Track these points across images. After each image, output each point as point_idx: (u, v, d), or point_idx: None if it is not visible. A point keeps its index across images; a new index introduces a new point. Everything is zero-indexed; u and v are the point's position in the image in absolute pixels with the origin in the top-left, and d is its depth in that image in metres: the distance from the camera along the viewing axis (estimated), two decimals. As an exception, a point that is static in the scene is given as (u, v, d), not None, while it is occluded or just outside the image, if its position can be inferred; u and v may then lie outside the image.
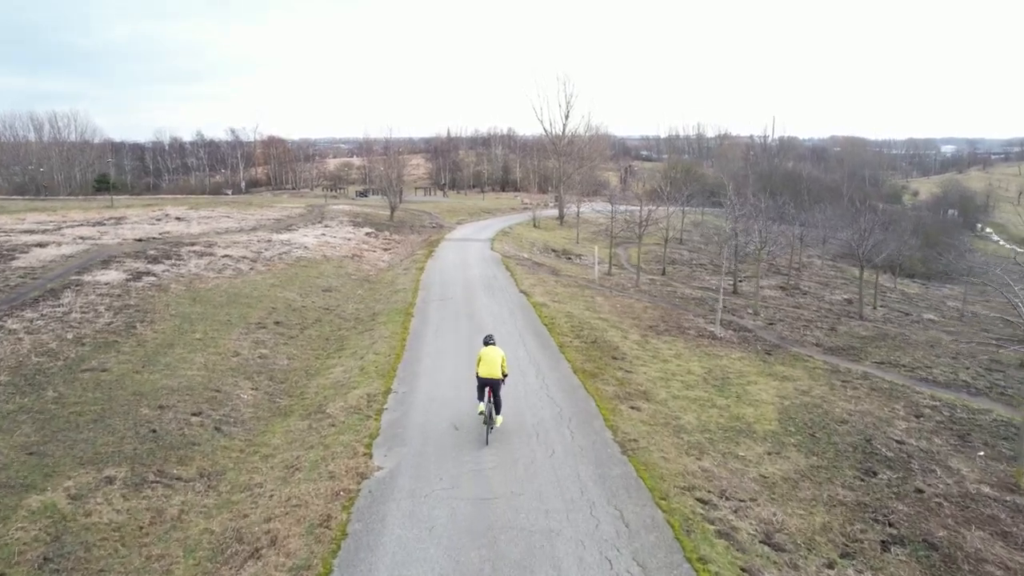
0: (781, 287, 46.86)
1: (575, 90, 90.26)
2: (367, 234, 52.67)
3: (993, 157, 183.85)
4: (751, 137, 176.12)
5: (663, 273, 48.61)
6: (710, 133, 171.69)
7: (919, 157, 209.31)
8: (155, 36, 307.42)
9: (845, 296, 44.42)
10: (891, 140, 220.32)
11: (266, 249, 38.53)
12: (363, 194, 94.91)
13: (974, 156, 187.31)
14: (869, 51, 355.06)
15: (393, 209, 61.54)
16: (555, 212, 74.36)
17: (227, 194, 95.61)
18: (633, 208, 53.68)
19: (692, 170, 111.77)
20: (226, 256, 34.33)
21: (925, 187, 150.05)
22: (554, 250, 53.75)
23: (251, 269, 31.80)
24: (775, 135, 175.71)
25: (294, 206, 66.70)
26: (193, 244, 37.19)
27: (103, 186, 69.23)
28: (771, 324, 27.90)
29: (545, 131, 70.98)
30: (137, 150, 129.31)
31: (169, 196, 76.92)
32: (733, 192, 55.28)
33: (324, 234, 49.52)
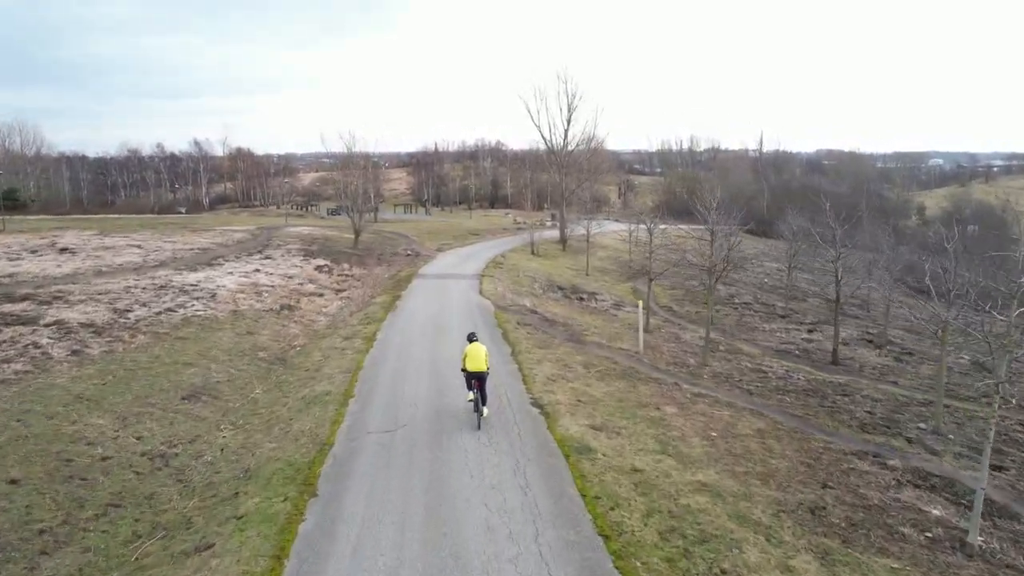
0: (870, 341, 33.79)
1: (579, 91, 75.85)
2: (318, 268, 39.10)
3: (994, 170, 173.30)
4: (746, 150, 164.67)
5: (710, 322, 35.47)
6: (702, 146, 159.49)
7: (915, 171, 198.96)
8: (140, 51, 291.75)
9: (967, 357, 31.40)
10: (877, 154, 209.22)
11: (144, 304, 24.93)
12: (335, 212, 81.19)
13: (975, 170, 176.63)
14: (849, 66, 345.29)
15: (358, 233, 48.02)
16: (554, 233, 61.20)
17: (180, 212, 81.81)
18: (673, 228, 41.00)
19: (698, 184, 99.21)
20: (56, 323, 20.66)
21: (931, 201, 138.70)
22: (560, 287, 40.45)
23: (72, 354, 18.15)
24: (763, 148, 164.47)
25: (241, 228, 53.02)
26: (25, 299, 23.50)
27: (7, 202, 55.18)
28: (1002, 469, 14.70)
29: (544, 139, 57.92)
30: (97, 164, 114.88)
31: (96, 217, 62.95)
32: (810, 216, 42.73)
33: (258, 270, 35.93)
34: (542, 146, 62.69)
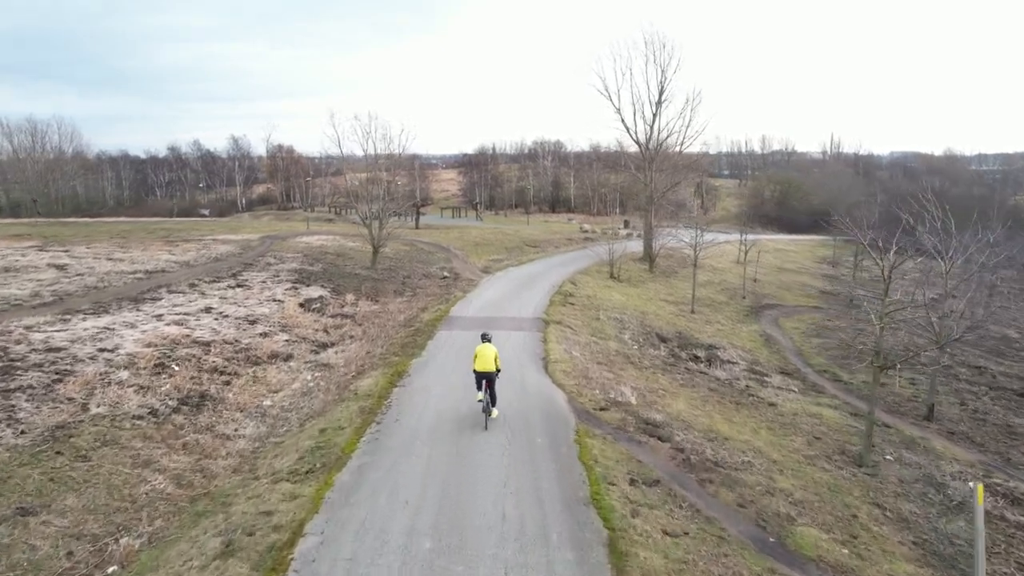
0: None
1: (674, 59, 50.59)
2: (305, 304, 25.83)
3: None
4: (824, 152, 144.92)
5: (928, 416, 20.31)
6: (774, 147, 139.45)
7: (1017, 173, 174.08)
8: (203, 58, 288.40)
9: None
10: (968, 155, 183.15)
11: None
12: (395, 213, 68.54)
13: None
14: (909, 67, 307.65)
15: (376, 249, 34.79)
16: (633, 246, 46.48)
17: (204, 215, 71.07)
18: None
19: (795, 187, 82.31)
20: None
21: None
22: (662, 337, 26.04)
23: None
24: (841, 150, 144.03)
25: (237, 238, 40.60)
26: None
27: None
28: None
29: (625, 126, 43.20)
30: (136, 164, 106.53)
31: (84, 221, 51.86)
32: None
33: (209, 310, 22.96)
34: (613, 139, 48.21)
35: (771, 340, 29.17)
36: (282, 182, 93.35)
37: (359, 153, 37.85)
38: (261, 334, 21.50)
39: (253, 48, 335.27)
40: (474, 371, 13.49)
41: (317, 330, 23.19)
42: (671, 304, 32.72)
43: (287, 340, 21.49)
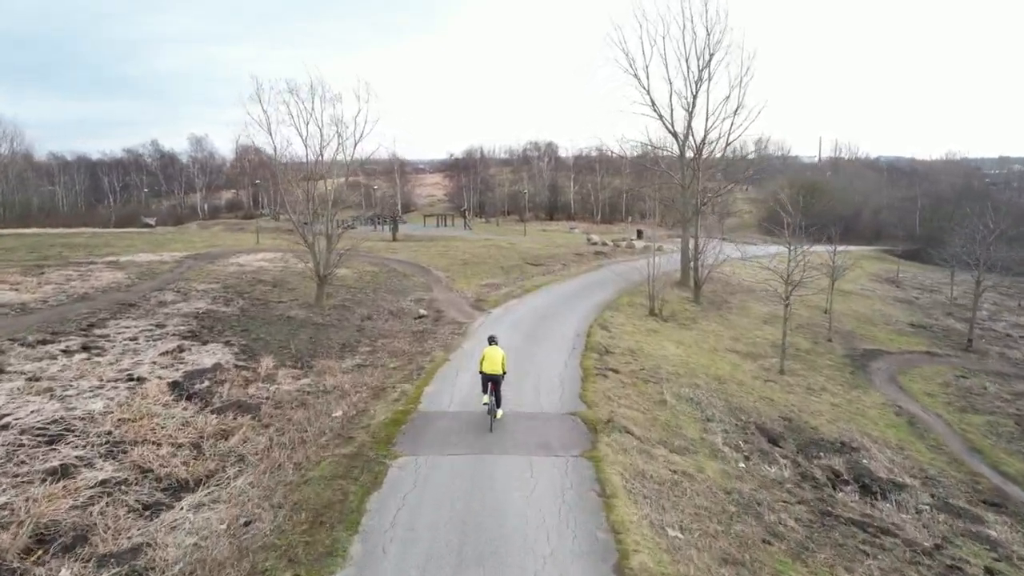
0: None
1: (721, 20, 37.65)
2: (181, 385, 15.08)
3: None
4: (816, 156, 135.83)
5: None
6: (769, 150, 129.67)
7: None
8: (203, 60, 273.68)
9: None
10: (961, 159, 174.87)
11: None
12: (350, 226, 57.66)
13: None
14: (897, 67, 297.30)
15: (322, 280, 24.22)
16: (664, 263, 35.72)
17: (150, 225, 60.00)
18: None
19: (820, 191, 72.46)
20: None
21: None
22: (771, 435, 15.63)
23: None
24: (831, 154, 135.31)
25: (142, 260, 29.77)
26: None
27: None
28: None
29: (656, 113, 32.79)
30: (90, 168, 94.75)
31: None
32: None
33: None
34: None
35: (916, 421, 18.80)
36: (250, 187, 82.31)
37: (297, 140, 27.26)
38: (51, 472, 10.84)
39: (254, 49, 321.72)
40: (480, 372, 12.87)
41: (180, 446, 12.48)
42: (745, 358, 22.30)
43: (103, 484, 10.78)
